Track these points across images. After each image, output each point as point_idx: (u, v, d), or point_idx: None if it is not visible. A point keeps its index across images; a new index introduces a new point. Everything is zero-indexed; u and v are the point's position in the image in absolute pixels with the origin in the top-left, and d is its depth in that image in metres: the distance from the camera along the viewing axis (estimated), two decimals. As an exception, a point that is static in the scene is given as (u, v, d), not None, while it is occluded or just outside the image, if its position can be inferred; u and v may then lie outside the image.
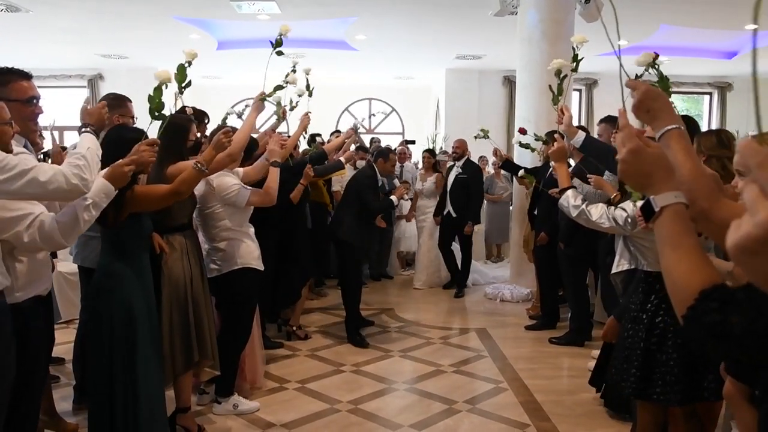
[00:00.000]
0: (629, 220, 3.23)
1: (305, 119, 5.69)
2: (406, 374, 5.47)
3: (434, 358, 5.91)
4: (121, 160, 2.98)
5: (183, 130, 3.96)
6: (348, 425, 4.43)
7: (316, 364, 5.69)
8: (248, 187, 4.37)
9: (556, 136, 4.11)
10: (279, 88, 4.23)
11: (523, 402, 4.84)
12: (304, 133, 5.95)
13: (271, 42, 4.35)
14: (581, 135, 4.14)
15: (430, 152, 9.52)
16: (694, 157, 1.75)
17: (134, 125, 4.25)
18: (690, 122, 3.72)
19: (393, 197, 6.37)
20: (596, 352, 5.82)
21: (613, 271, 3.45)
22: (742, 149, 1.13)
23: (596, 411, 4.68)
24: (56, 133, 10.45)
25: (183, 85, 3.53)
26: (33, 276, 2.98)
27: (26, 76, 3.20)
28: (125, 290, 3.29)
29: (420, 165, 13.63)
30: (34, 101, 3.27)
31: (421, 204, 9.11)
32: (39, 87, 3.32)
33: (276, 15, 9.83)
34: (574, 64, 3.92)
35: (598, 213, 3.45)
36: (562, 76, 3.91)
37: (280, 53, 4.38)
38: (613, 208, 3.41)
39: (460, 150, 8.59)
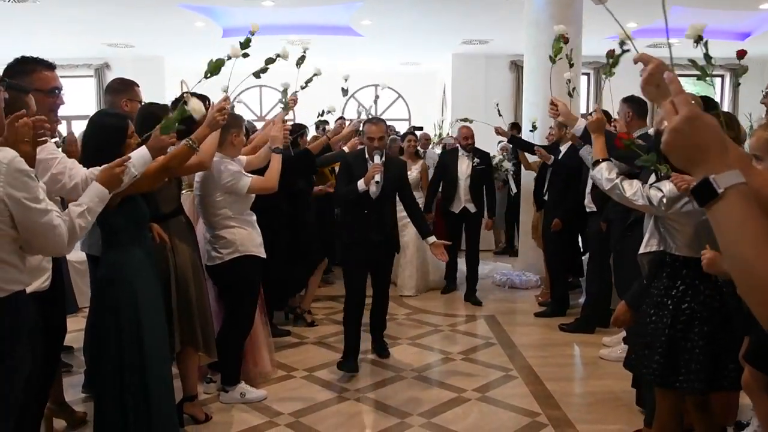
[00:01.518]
0: (664, 200, 3.12)
1: (290, 102, 5.11)
2: (415, 362, 5.43)
3: (443, 346, 5.88)
4: (111, 163, 2.86)
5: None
6: (356, 414, 4.41)
7: (324, 352, 5.67)
8: (249, 175, 4.32)
9: (596, 107, 4.06)
10: (270, 61, 4.11)
11: (534, 390, 4.80)
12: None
13: (241, 43, 4.14)
14: (581, 122, 4.11)
15: (413, 135, 8.40)
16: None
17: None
18: (710, 103, 3.67)
19: (360, 182, 5.07)
20: (607, 339, 5.80)
21: (641, 251, 3.33)
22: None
23: (607, 399, 4.64)
24: (64, 123, 10.44)
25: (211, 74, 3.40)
26: (32, 273, 2.93)
27: (50, 66, 3.19)
28: (129, 279, 3.26)
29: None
30: (57, 92, 3.24)
31: None
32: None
33: (280, 1, 9.75)
34: (556, 56, 3.92)
35: (632, 189, 3.32)
36: (563, 42, 3.90)
37: (246, 55, 4.16)
38: (648, 186, 3.29)
39: (473, 140, 7.57)
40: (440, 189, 7.67)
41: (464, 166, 7.46)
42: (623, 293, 4.03)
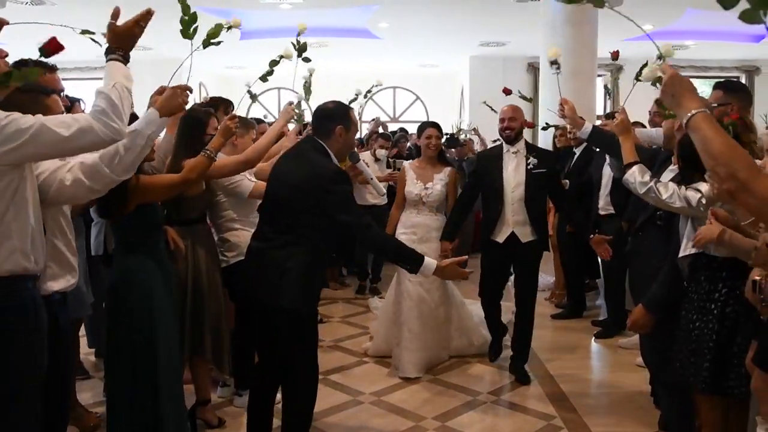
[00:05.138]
0: (703, 201, 3.04)
1: (288, 111, 4.82)
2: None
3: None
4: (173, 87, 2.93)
5: (201, 124, 3.94)
6: (370, 417, 4.40)
7: (339, 355, 5.66)
8: (253, 179, 4.31)
9: (619, 108, 4.02)
10: (274, 63, 4.15)
11: (549, 393, 4.79)
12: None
13: (294, 44, 4.26)
14: (588, 126, 4.07)
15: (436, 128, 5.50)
16: (724, 134, 1.70)
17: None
18: (741, 89, 3.68)
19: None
20: (624, 341, 5.78)
21: (681, 254, 3.27)
22: None
23: (623, 401, 4.62)
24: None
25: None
26: (62, 268, 2.91)
27: (52, 68, 3.22)
28: (142, 282, 3.27)
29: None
30: (60, 94, 3.28)
31: (420, 221, 5.28)
32: (64, 80, 3.34)
33: (298, 4, 9.80)
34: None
35: (668, 192, 3.23)
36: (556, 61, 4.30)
37: (306, 60, 4.25)
38: (684, 187, 3.19)
39: (517, 125, 5.03)
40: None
41: (511, 168, 4.97)
42: (637, 295, 4.00)
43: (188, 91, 3.02)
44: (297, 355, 3.41)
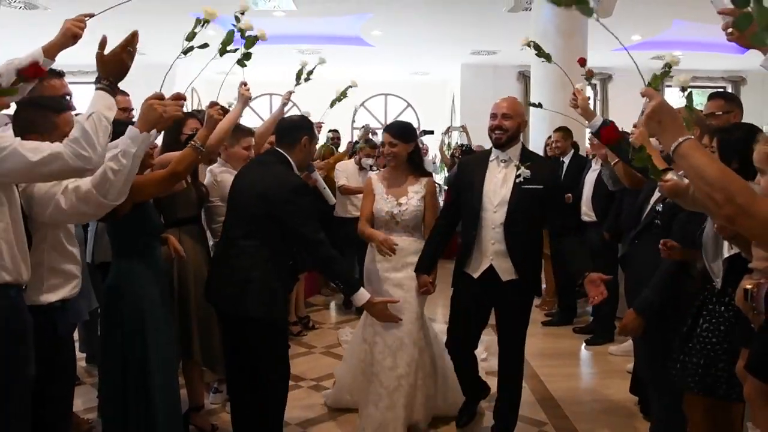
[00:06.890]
0: None
1: (243, 92, 4.46)
2: (422, 371, 5.40)
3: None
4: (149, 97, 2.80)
5: (176, 124, 3.88)
6: (363, 423, 4.41)
7: (332, 361, 5.64)
8: None
9: (634, 123, 3.96)
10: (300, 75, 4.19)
11: (540, 400, 4.81)
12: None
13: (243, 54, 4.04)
14: (599, 119, 3.99)
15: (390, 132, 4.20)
16: (716, 159, 1.73)
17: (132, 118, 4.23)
18: (736, 99, 3.71)
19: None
20: (614, 348, 5.81)
21: (726, 255, 3.23)
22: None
23: (615, 408, 4.66)
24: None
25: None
26: (62, 279, 2.90)
27: (59, 74, 3.23)
28: (138, 288, 3.25)
29: (436, 157, 13.21)
30: (67, 99, 3.28)
31: (399, 245, 4.02)
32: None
33: (292, 11, 9.83)
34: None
35: None
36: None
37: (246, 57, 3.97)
38: None
39: (512, 124, 3.83)
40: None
41: (496, 181, 3.82)
42: (632, 302, 4.01)
43: (182, 99, 3.02)
44: (266, 363, 3.49)
